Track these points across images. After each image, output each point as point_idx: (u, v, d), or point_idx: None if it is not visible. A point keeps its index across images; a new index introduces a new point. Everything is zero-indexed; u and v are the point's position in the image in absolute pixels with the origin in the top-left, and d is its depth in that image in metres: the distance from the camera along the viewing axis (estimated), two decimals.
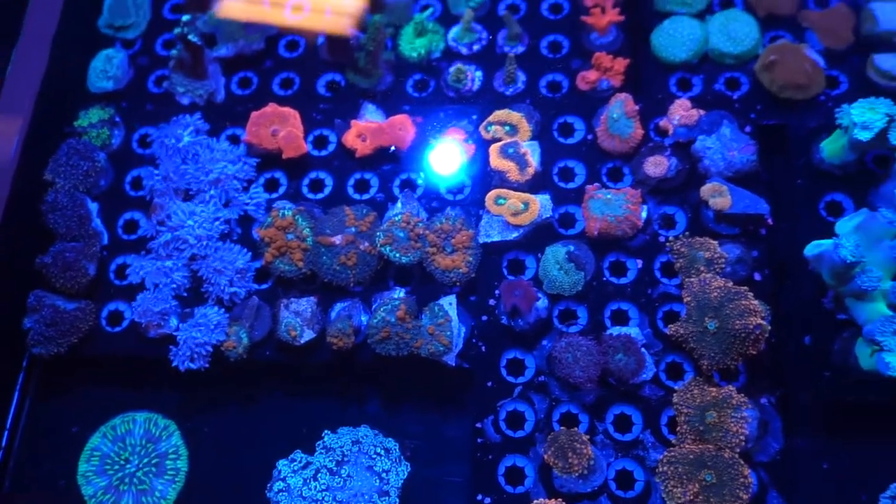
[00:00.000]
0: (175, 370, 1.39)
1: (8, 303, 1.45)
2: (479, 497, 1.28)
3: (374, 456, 1.33)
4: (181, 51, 1.52)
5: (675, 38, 1.50)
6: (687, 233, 1.38)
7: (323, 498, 1.30)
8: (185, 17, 1.49)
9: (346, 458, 1.33)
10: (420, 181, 1.46)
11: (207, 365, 1.38)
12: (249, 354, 1.38)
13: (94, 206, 1.48)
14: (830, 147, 1.37)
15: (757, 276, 1.34)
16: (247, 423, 1.44)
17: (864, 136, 1.28)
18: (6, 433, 1.45)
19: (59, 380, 1.49)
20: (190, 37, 1.48)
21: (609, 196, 1.36)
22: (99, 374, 1.48)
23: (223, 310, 1.40)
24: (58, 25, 1.56)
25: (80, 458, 1.42)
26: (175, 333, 1.39)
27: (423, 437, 1.38)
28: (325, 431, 1.36)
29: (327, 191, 1.49)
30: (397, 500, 1.30)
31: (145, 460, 1.41)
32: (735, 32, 1.49)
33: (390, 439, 1.35)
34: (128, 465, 1.40)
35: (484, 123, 1.46)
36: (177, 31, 1.49)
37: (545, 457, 1.25)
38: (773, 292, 1.33)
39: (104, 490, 1.39)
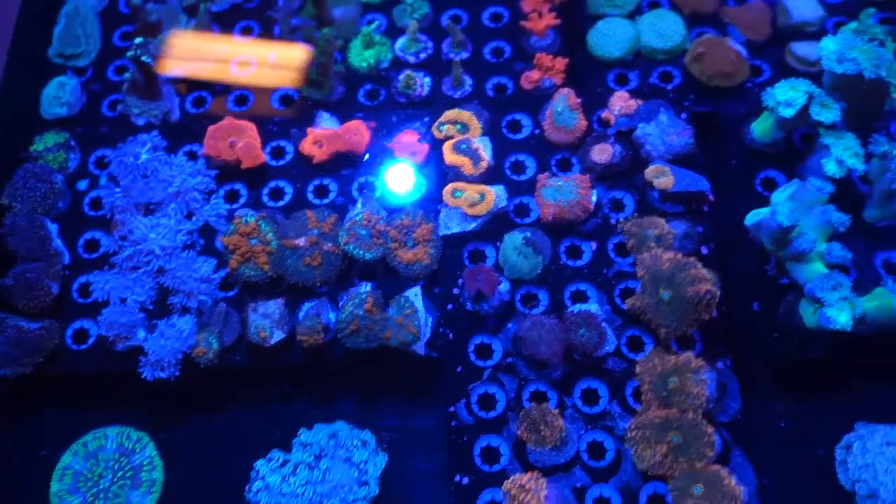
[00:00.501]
0: (145, 382, 1.39)
1: None
2: (458, 478, 1.30)
3: (352, 448, 1.34)
4: (134, 73, 1.55)
5: (609, 38, 1.60)
6: (636, 214, 1.46)
7: (303, 492, 1.30)
8: (138, 40, 1.52)
9: (323, 452, 1.34)
10: (378, 187, 1.51)
11: (178, 373, 1.38)
12: (220, 360, 1.39)
13: (53, 227, 1.48)
14: (760, 128, 1.48)
15: (704, 250, 1.42)
16: (221, 429, 1.44)
17: (788, 112, 1.39)
18: None
19: (24, 403, 1.47)
20: (143, 58, 1.51)
21: (560, 183, 1.43)
22: (66, 394, 1.47)
23: (191, 318, 1.41)
24: (8, 55, 1.57)
25: (52, 477, 1.39)
26: (143, 345, 1.39)
27: (398, 428, 1.40)
28: (301, 429, 1.38)
29: (287, 198, 1.53)
30: (377, 489, 1.31)
31: (119, 474, 1.39)
32: (664, 30, 1.60)
33: (366, 431, 1.37)
34: (102, 481, 1.39)
35: (436, 123, 1.53)
36: (129, 53, 1.53)
37: (518, 433, 1.29)
38: (720, 264, 1.41)
39: None
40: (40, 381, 1.43)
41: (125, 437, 1.43)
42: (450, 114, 1.52)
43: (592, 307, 1.37)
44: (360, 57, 1.62)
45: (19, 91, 1.59)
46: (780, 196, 1.37)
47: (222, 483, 1.38)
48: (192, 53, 1.61)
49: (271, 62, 1.59)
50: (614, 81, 1.61)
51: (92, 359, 1.43)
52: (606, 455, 1.31)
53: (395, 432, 1.40)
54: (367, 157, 1.53)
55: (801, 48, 1.57)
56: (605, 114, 1.53)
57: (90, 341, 1.44)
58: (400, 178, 1.51)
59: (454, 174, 1.46)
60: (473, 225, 1.42)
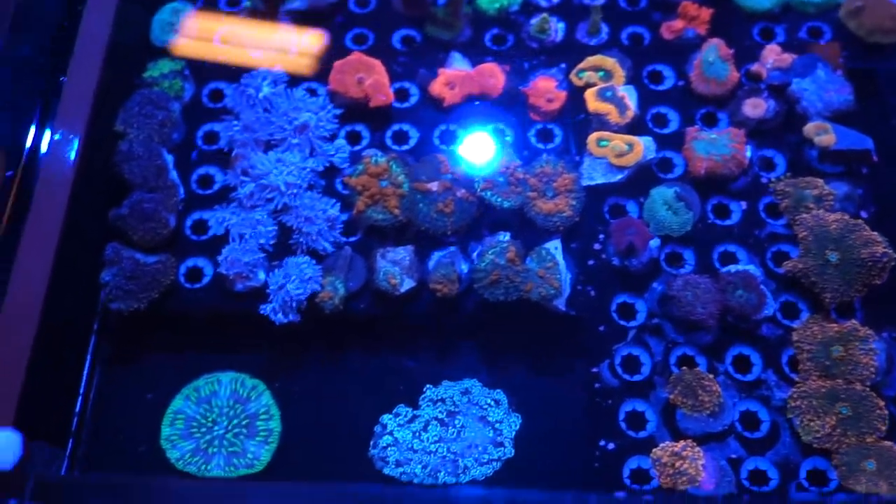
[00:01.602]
0: (259, 328, 1.31)
1: (75, 262, 1.35)
2: (602, 443, 1.22)
3: (486, 406, 1.27)
4: (255, 1, 1.47)
5: None
6: (788, 174, 1.37)
7: (437, 450, 1.23)
8: None
9: (457, 409, 1.26)
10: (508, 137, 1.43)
11: (299, 318, 1.30)
12: (344, 307, 1.31)
13: (170, 158, 1.40)
14: None
15: (864, 214, 1.32)
16: (340, 382, 1.36)
17: None
18: (80, 399, 1.34)
19: (133, 343, 1.39)
20: None
21: (713, 136, 1.34)
22: (177, 335, 1.39)
23: (315, 261, 1.33)
24: None
25: (163, 421, 1.32)
26: (264, 285, 1.31)
27: (533, 389, 1.32)
28: (427, 386, 1.30)
29: (412, 142, 1.45)
30: (513, 451, 1.24)
31: (234, 421, 1.31)
32: None
33: (498, 390, 1.29)
34: (216, 427, 1.31)
35: (575, 70, 1.44)
36: None
37: (671, 397, 1.21)
38: (881, 229, 1.32)
39: (192, 453, 1.29)
40: (152, 319, 1.35)
41: (240, 384, 1.35)
42: (592, 60, 1.43)
43: (750, 267, 1.28)
44: None
45: (130, 16, 1.50)
46: None
47: (343, 437, 1.30)
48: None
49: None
50: (759, 35, 1.51)
51: (208, 298, 1.35)
52: (762, 426, 1.22)
53: (529, 392, 1.31)
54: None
55: None
56: (755, 67, 1.44)
57: (205, 280, 1.36)
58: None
59: (598, 122, 1.38)
60: (620, 176, 1.34)
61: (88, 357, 1.38)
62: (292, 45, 1.50)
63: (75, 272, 1.35)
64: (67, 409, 1.34)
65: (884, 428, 1.16)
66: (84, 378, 1.36)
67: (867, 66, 1.45)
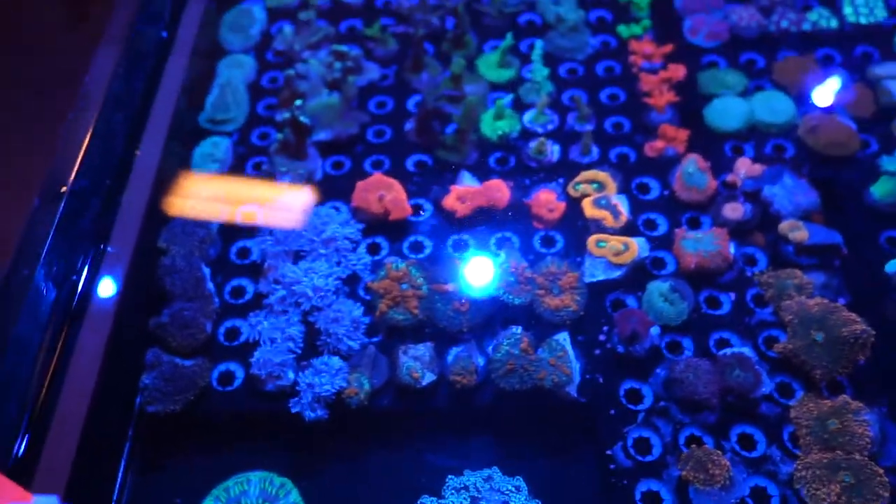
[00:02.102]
0: (288, 427, 1.39)
1: (117, 368, 1.44)
2: None
3: (507, 492, 1.32)
4: (287, 133, 1.66)
5: (726, 113, 1.72)
6: (769, 268, 1.51)
7: None
8: (298, 102, 1.65)
9: (480, 496, 1.32)
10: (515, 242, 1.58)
11: (327, 415, 1.38)
12: (369, 402, 1.40)
13: (207, 271, 1.53)
14: (881, 190, 1.56)
15: (841, 301, 1.46)
16: (365, 475, 1.41)
17: None
18: (113, 502, 1.39)
19: (166, 447, 1.45)
20: (301, 118, 1.62)
21: (699, 235, 1.50)
22: (208, 437, 1.45)
23: (341, 359, 1.43)
24: (171, 118, 1.69)
25: None
26: (292, 385, 1.40)
27: (550, 474, 1.38)
28: (449, 476, 1.36)
29: (427, 251, 1.59)
30: None
31: None
32: (776, 107, 1.73)
33: (518, 477, 1.35)
34: None
35: (572, 183, 1.61)
36: (286, 115, 1.64)
37: (684, 473, 1.28)
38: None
39: None
40: (185, 423, 1.43)
41: (268, 483, 1.40)
42: (586, 174, 1.61)
43: (744, 350, 1.39)
44: (493, 127, 1.73)
45: (175, 151, 1.69)
46: None
47: None
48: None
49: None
50: (730, 152, 1.71)
51: (239, 399, 1.43)
52: (771, 501, 1.28)
53: (548, 477, 1.37)
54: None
55: None
56: (730, 177, 1.62)
57: (236, 383, 1.45)
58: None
59: (595, 227, 1.53)
60: (618, 273, 1.47)
61: (123, 462, 1.43)
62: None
63: (116, 379, 1.44)
64: None
65: (886, 494, 1.23)
66: (118, 484, 1.41)
67: (827, 176, 1.63)
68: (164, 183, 1.63)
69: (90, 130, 1.61)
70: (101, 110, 1.66)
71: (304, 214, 1.60)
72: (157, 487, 1.43)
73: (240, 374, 1.46)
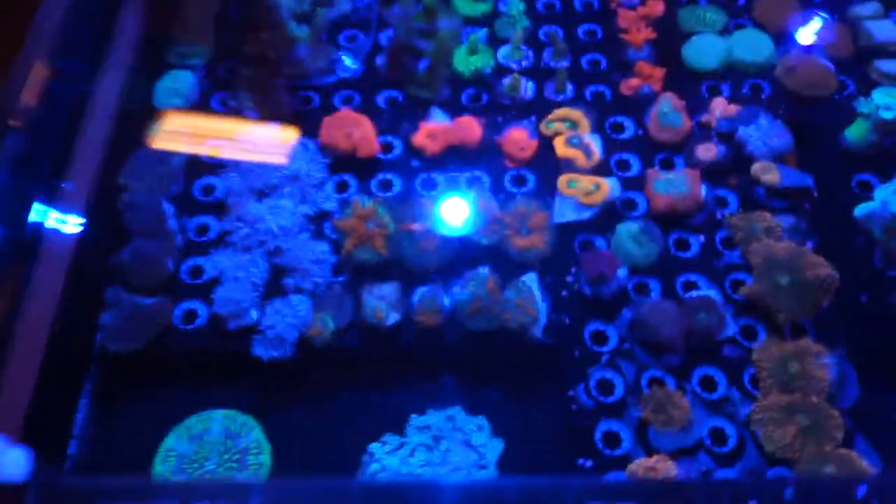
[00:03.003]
0: (251, 365, 1.38)
1: (75, 305, 1.42)
2: (580, 461, 1.29)
3: (469, 431, 1.33)
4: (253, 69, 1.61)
5: (703, 51, 1.68)
6: (740, 210, 1.50)
7: (423, 474, 1.28)
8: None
9: (442, 435, 1.32)
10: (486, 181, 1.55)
11: (290, 354, 1.37)
12: (334, 341, 1.39)
13: (169, 207, 1.50)
14: (854, 132, 1.54)
15: (808, 245, 1.45)
16: (329, 414, 1.41)
17: (888, 115, 1.45)
18: (75, 441, 1.38)
19: (128, 384, 1.44)
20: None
21: (671, 176, 1.47)
22: (171, 375, 1.44)
23: (306, 298, 1.41)
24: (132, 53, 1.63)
25: (155, 459, 1.36)
26: (259, 322, 1.39)
27: (513, 414, 1.39)
28: (412, 415, 1.37)
29: (396, 189, 1.56)
30: (496, 473, 1.29)
31: (225, 457, 1.36)
32: (754, 46, 1.68)
33: (481, 416, 1.36)
34: (207, 463, 1.35)
35: (545, 121, 1.58)
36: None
37: (644, 414, 1.29)
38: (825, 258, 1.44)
39: None
40: (147, 361, 1.41)
41: (231, 421, 1.40)
42: (559, 112, 1.57)
43: (710, 293, 1.39)
44: (466, 62, 1.68)
45: (137, 85, 1.63)
46: (886, 190, 1.42)
47: (331, 468, 1.35)
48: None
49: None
50: (707, 91, 1.68)
51: (202, 338, 1.42)
52: (728, 441, 1.30)
53: (510, 418, 1.38)
54: None
55: (886, 65, 1.65)
56: (705, 117, 1.59)
57: (198, 322, 1.43)
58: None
59: (566, 166, 1.50)
60: (588, 214, 1.46)
61: (83, 401, 1.42)
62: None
63: (76, 317, 1.42)
64: (61, 452, 1.38)
65: (840, 436, 1.25)
66: (79, 422, 1.41)
67: (802, 118, 1.61)
68: (124, 118, 1.56)
69: (44, 61, 1.54)
70: (57, 40, 1.59)
71: (269, 150, 1.56)
72: (118, 426, 1.42)
73: (203, 312, 1.44)
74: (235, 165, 1.54)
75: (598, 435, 1.31)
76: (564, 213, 1.46)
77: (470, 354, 1.43)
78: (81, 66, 1.58)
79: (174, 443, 1.39)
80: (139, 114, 1.61)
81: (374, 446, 1.33)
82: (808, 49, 1.68)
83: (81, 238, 1.43)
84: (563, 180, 1.47)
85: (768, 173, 1.47)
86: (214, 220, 1.53)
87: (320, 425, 1.41)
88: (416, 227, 1.44)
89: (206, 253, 1.48)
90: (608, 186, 1.46)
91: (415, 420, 1.36)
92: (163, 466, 1.36)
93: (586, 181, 1.46)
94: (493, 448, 1.32)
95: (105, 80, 1.58)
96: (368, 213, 1.45)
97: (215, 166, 1.58)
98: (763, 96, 1.65)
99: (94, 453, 1.40)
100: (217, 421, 1.40)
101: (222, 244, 1.48)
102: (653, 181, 1.47)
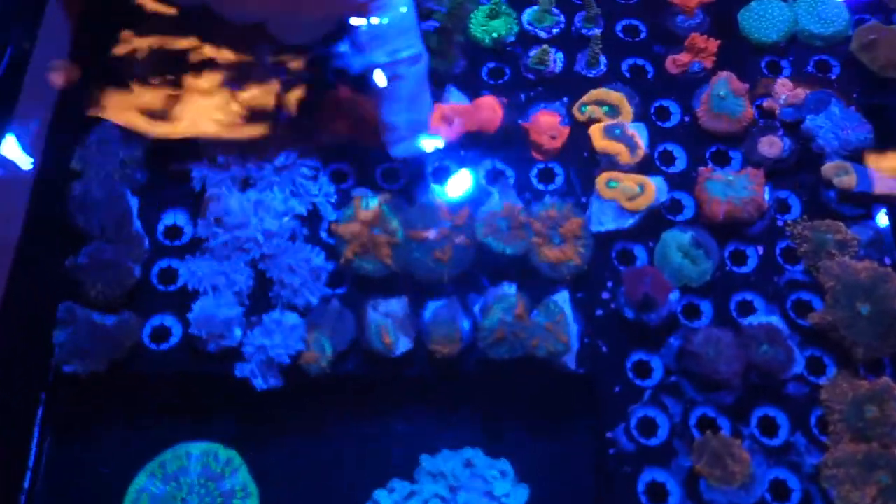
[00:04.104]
0: (235, 392, 1.18)
1: (24, 319, 1.20)
2: None
3: (491, 479, 1.14)
4: None
5: (764, 19, 1.43)
6: (804, 216, 1.28)
7: None
8: None
9: (459, 484, 1.14)
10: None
11: (282, 383, 1.17)
12: (332, 370, 1.18)
13: (134, 202, 1.25)
14: None
15: (886, 260, 1.24)
16: (326, 452, 1.22)
17: None
18: (28, 473, 1.18)
19: (90, 411, 1.23)
20: None
21: (730, 178, 1.25)
22: (140, 402, 1.24)
23: (297, 315, 1.20)
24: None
25: (125, 499, 1.16)
26: (241, 346, 1.18)
27: (539, 456, 1.20)
28: (423, 456, 1.18)
29: (402, 181, 1.33)
30: None
31: (207, 500, 1.17)
32: (825, 14, 1.44)
33: (503, 459, 1.17)
34: None
35: (577, 104, 1.34)
36: None
37: (697, 467, 1.10)
38: None
39: None
40: (112, 384, 1.20)
41: (212, 458, 1.20)
42: (595, 93, 1.33)
43: (773, 319, 1.19)
44: (485, 28, 1.42)
45: (96, 40, 1.35)
46: None
47: None
48: None
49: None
50: (766, 69, 1.44)
51: (176, 360, 1.20)
52: (792, 496, 1.12)
53: (537, 461, 1.19)
54: None
55: None
56: (767, 102, 1.36)
57: (173, 340, 1.21)
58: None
59: (607, 162, 1.28)
60: (630, 221, 1.23)
61: (37, 427, 1.22)
62: None
63: (23, 331, 1.19)
64: (15, 487, 1.18)
65: None
66: (33, 451, 1.20)
67: (881, 102, 1.38)
68: (74, 85, 1.30)
69: None
70: None
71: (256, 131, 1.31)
72: (81, 456, 1.22)
73: (177, 329, 1.22)
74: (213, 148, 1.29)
75: (640, 486, 1.13)
76: (603, 220, 1.24)
77: (490, 385, 1.23)
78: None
79: (146, 482, 1.19)
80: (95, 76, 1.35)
81: (379, 494, 1.15)
82: (893, 19, 1.43)
83: (24, 237, 1.19)
84: (602, 179, 1.24)
85: (844, 175, 1.25)
86: (187, 219, 1.29)
87: (317, 465, 1.21)
88: (429, 234, 1.21)
89: (181, 257, 1.25)
90: (654, 188, 1.23)
91: (427, 462, 1.17)
92: None
93: (630, 181, 1.24)
94: (518, 497, 1.14)
95: (45, 35, 1.30)
96: (373, 217, 1.21)
97: (188, 149, 1.33)
98: (832, 76, 1.41)
99: (53, 490, 1.20)
100: (195, 459, 1.20)
101: (198, 250, 1.25)
102: (705, 182, 1.25)
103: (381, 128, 1.22)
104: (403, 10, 1.17)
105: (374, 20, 1.17)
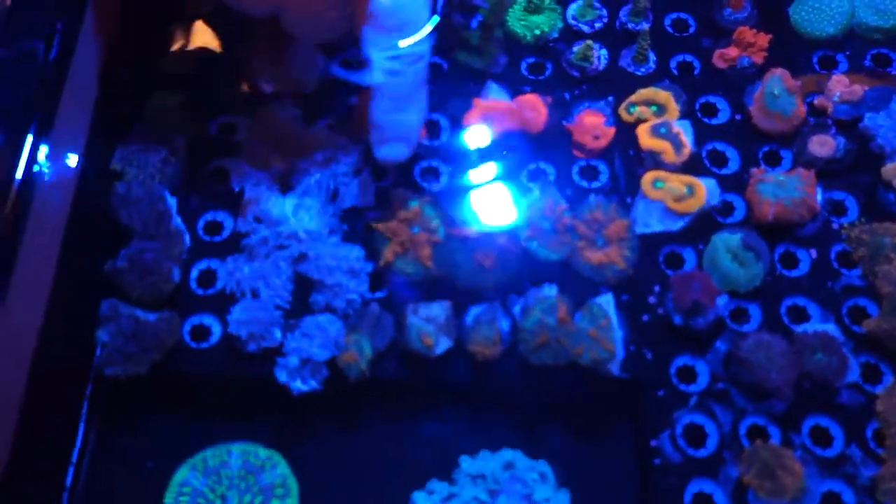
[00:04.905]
0: (274, 392, 1.17)
1: (68, 316, 1.20)
2: None
3: (531, 483, 1.12)
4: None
5: (820, 11, 1.37)
6: (862, 218, 1.24)
7: None
8: None
9: (500, 487, 1.12)
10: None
11: (321, 386, 1.16)
12: (370, 372, 1.17)
13: (173, 201, 1.25)
14: None
15: None
16: (365, 452, 1.21)
17: None
18: (72, 468, 1.19)
19: (132, 409, 1.24)
20: None
21: (781, 178, 1.21)
22: (181, 401, 1.24)
23: (337, 318, 1.19)
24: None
25: (167, 493, 1.17)
26: (279, 346, 1.17)
27: (580, 461, 1.18)
28: (463, 457, 1.16)
29: (444, 180, 1.30)
30: None
31: (247, 496, 1.16)
32: (883, 5, 1.38)
33: (542, 461, 1.15)
34: (226, 502, 1.16)
35: (625, 104, 1.31)
36: None
37: (746, 478, 1.07)
38: None
39: None
40: (153, 382, 1.20)
41: (252, 455, 1.20)
42: (644, 93, 1.30)
43: (828, 327, 1.14)
44: (525, 23, 1.39)
45: (136, 41, 1.35)
46: None
47: None
48: None
49: None
50: (818, 65, 1.38)
51: (216, 360, 1.20)
52: None
53: (578, 466, 1.17)
54: None
55: None
56: (818, 100, 1.31)
57: (213, 339, 1.21)
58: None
59: (652, 162, 1.24)
60: (679, 224, 1.20)
61: (82, 424, 1.23)
62: None
63: (67, 328, 1.20)
64: (59, 482, 1.19)
65: None
66: (77, 447, 1.21)
67: None
68: (116, 86, 1.31)
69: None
70: None
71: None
72: (123, 452, 1.23)
73: (217, 328, 1.22)
74: (252, 150, 1.29)
75: (687, 497, 1.10)
76: (650, 222, 1.21)
77: (532, 388, 1.20)
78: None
79: (188, 475, 1.20)
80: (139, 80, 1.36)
81: (418, 496, 1.14)
82: None
83: (68, 237, 1.20)
84: (647, 179, 1.21)
85: None
86: (228, 217, 1.28)
87: (356, 465, 1.20)
88: (470, 232, 1.19)
89: (222, 257, 1.25)
90: (705, 190, 1.19)
91: (466, 463, 1.16)
92: (175, 502, 1.18)
93: (678, 182, 1.20)
94: (559, 502, 1.12)
95: (87, 36, 1.29)
96: (413, 216, 1.20)
97: (228, 147, 1.32)
98: (891, 71, 1.35)
99: (95, 484, 1.21)
100: (235, 455, 1.20)
101: (237, 249, 1.24)
102: (757, 184, 1.21)
103: (369, 125, 1.15)
104: (415, 5, 1.09)
105: (385, 13, 1.08)
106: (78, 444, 1.22)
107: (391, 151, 1.16)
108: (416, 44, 1.09)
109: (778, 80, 1.27)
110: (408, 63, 1.09)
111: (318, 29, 1.18)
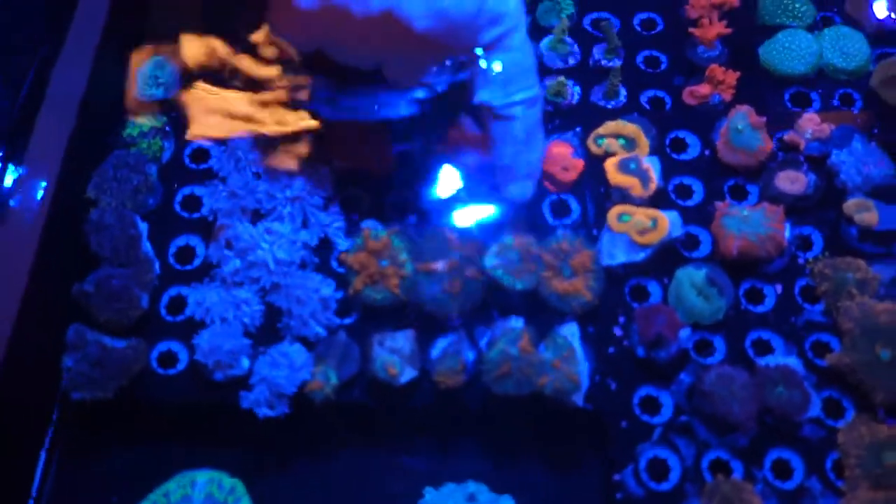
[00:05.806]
0: (240, 420, 1.17)
1: (32, 342, 1.20)
2: None
3: None
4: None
5: (791, 51, 1.40)
6: (827, 253, 1.25)
7: None
8: None
9: None
10: None
11: (288, 410, 1.16)
12: (336, 397, 1.17)
13: (143, 227, 1.26)
14: None
15: None
16: (330, 481, 1.21)
17: None
18: (31, 502, 1.19)
19: (97, 435, 1.24)
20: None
21: (745, 213, 1.22)
22: (146, 428, 1.24)
23: (304, 347, 1.19)
24: (102, 31, 1.36)
25: None
26: (248, 375, 1.17)
27: (545, 492, 1.18)
28: (427, 488, 1.16)
29: (412, 212, 1.32)
30: None
31: None
32: (847, 48, 1.41)
33: (507, 496, 1.15)
34: None
35: (593, 136, 1.32)
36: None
37: None
38: None
39: None
40: (118, 409, 1.20)
41: (216, 486, 1.20)
42: (612, 126, 1.32)
43: (790, 360, 1.15)
44: None
45: (110, 70, 1.37)
46: None
47: None
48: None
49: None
50: (789, 102, 1.41)
51: (182, 387, 1.20)
52: None
53: (541, 497, 1.17)
54: None
55: None
56: (788, 136, 1.33)
57: (180, 366, 1.22)
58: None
59: (619, 196, 1.26)
60: (642, 255, 1.21)
61: (44, 452, 1.22)
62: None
63: (33, 354, 1.20)
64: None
65: None
66: (38, 476, 1.21)
67: None
68: (92, 112, 1.32)
69: None
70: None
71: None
72: (87, 481, 1.23)
73: (184, 355, 1.22)
74: (226, 177, 1.30)
75: None
76: (614, 254, 1.22)
77: (496, 418, 1.21)
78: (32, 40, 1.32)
79: None
80: (111, 106, 1.37)
81: None
82: None
83: (39, 261, 1.20)
84: (614, 213, 1.23)
85: (865, 212, 1.22)
86: (199, 243, 1.29)
87: (320, 494, 1.20)
88: (438, 266, 1.20)
89: (189, 284, 1.26)
90: (668, 223, 1.21)
91: (430, 495, 1.15)
92: None
93: (642, 215, 1.22)
94: None
95: (65, 62, 1.31)
96: (382, 247, 1.21)
97: (201, 174, 1.34)
98: (855, 110, 1.38)
99: None
100: (200, 486, 1.20)
101: (208, 277, 1.25)
102: (722, 218, 1.22)
103: (494, 170, 1.21)
104: (522, 51, 1.13)
105: (494, 62, 1.14)
106: (37, 477, 1.21)
107: (520, 190, 1.21)
108: (527, 88, 1.14)
109: (743, 116, 1.30)
110: (525, 108, 1.15)
111: (417, 78, 1.21)
